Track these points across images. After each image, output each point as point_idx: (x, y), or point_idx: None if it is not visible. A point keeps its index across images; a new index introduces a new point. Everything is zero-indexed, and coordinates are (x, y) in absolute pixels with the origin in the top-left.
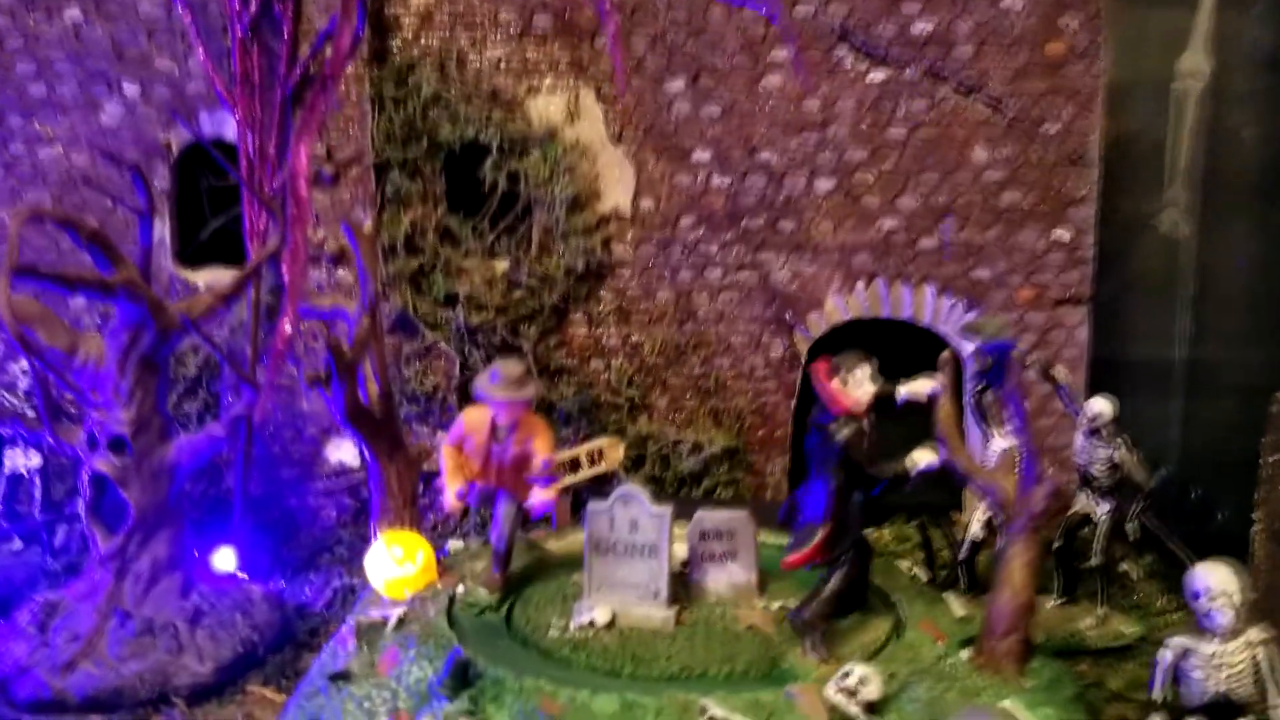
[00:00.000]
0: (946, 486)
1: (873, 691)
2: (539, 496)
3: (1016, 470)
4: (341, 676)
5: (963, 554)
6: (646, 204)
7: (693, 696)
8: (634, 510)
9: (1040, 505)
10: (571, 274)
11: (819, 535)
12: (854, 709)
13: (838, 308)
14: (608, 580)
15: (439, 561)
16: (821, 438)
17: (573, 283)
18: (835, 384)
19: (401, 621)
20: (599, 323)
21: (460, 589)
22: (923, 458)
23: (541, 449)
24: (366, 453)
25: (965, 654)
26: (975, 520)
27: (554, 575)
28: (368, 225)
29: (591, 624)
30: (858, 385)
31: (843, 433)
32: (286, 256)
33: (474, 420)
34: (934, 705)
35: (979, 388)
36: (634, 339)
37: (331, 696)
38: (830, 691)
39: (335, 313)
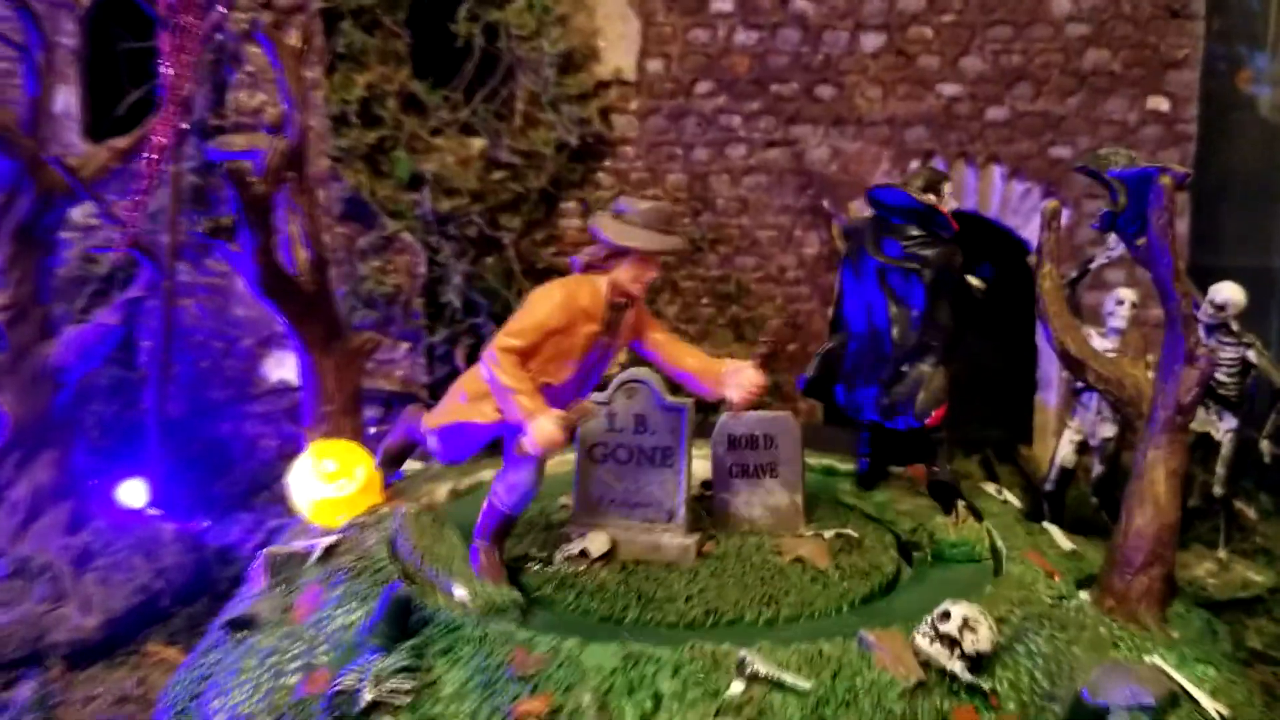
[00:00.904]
0: (1011, 419)
1: (982, 640)
2: (750, 383)
3: (1145, 360)
4: (242, 624)
5: (1049, 485)
6: (655, 65)
7: (726, 647)
8: (641, 402)
9: (1193, 392)
10: (564, 151)
11: (941, 378)
12: (955, 665)
13: None
14: (605, 498)
15: (388, 486)
16: (926, 266)
17: (565, 162)
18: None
19: (330, 552)
20: (597, 211)
21: (460, 592)
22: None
23: (663, 334)
24: (291, 337)
25: (1085, 595)
26: (1065, 441)
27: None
28: (294, 35)
29: (583, 555)
30: (948, 203)
31: (958, 256)
32: (173, 42)
33: (578, 298)
34: (1058, 661)
35: (1073, 276)
36: None
37: (229, 650)
38: (922, 640)
39: (253, 156)
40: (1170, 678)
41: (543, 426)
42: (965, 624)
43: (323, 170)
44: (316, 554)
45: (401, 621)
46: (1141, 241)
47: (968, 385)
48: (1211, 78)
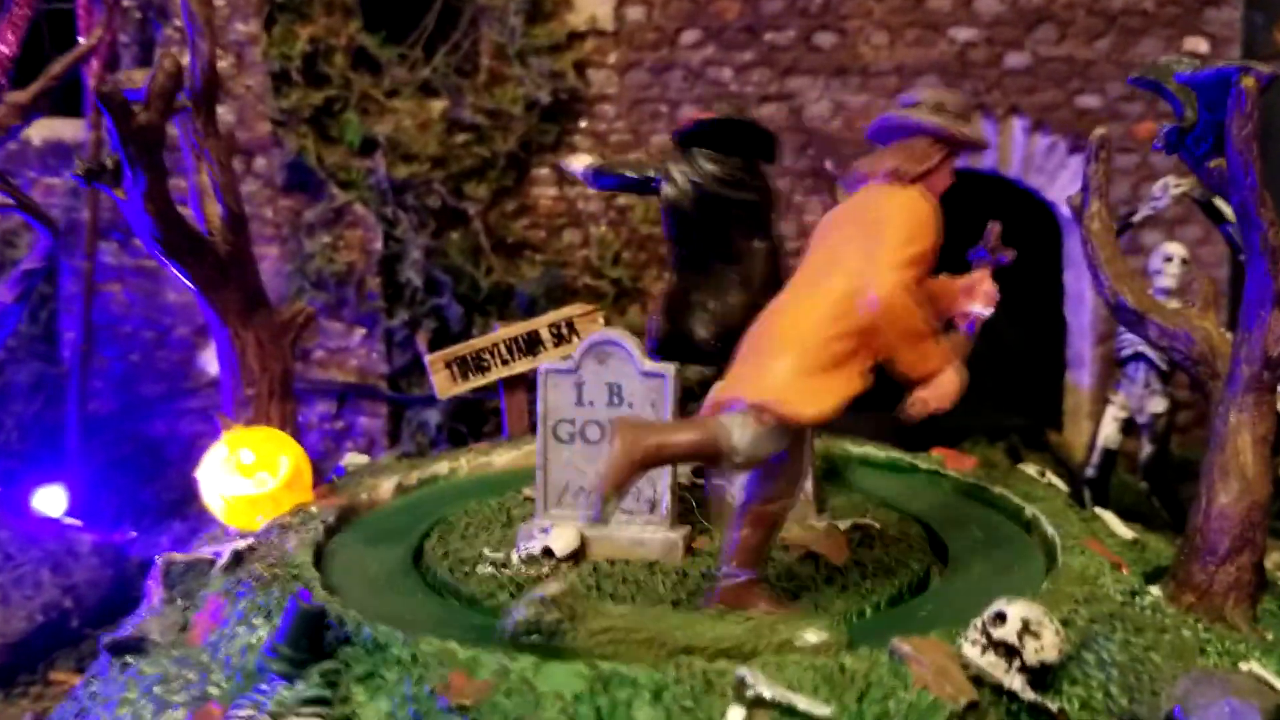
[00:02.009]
0: (1036, 403)
1: (1047, 648)
2: (993, 292)
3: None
4: (124, 647)
5: (1090, 470)
6: (635, 13)
7: (721, 665)
8: (616, 369)
9: None
10: (534, 110)
11: None
12: (1015, 680)
13: None
14: (574, 486)
15: (326, 486)
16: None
17: (536, 122)
18: None
19: (239, 558)
20: (573, 178)
21: (816, 637)
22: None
23: None
24: (203, 307)
25: (1157, 591)
26: (1108, 419)
27: (495, 491)
28: None
29: (547, 554)
30: None
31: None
32: None
33: (931, 210)
34: (1135, 671)
35: (1126, 218)
36: (620, 200)
37: (111, 678)
38: (972, 649)
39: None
40: (1273, 688)
41: (956, 375)
42: (1025, 628)
43: (263, 135)
44: (223, 561)
45: (312, 640)
46: (1216, 163)
47: (984, 367)
48: (1250, 29)
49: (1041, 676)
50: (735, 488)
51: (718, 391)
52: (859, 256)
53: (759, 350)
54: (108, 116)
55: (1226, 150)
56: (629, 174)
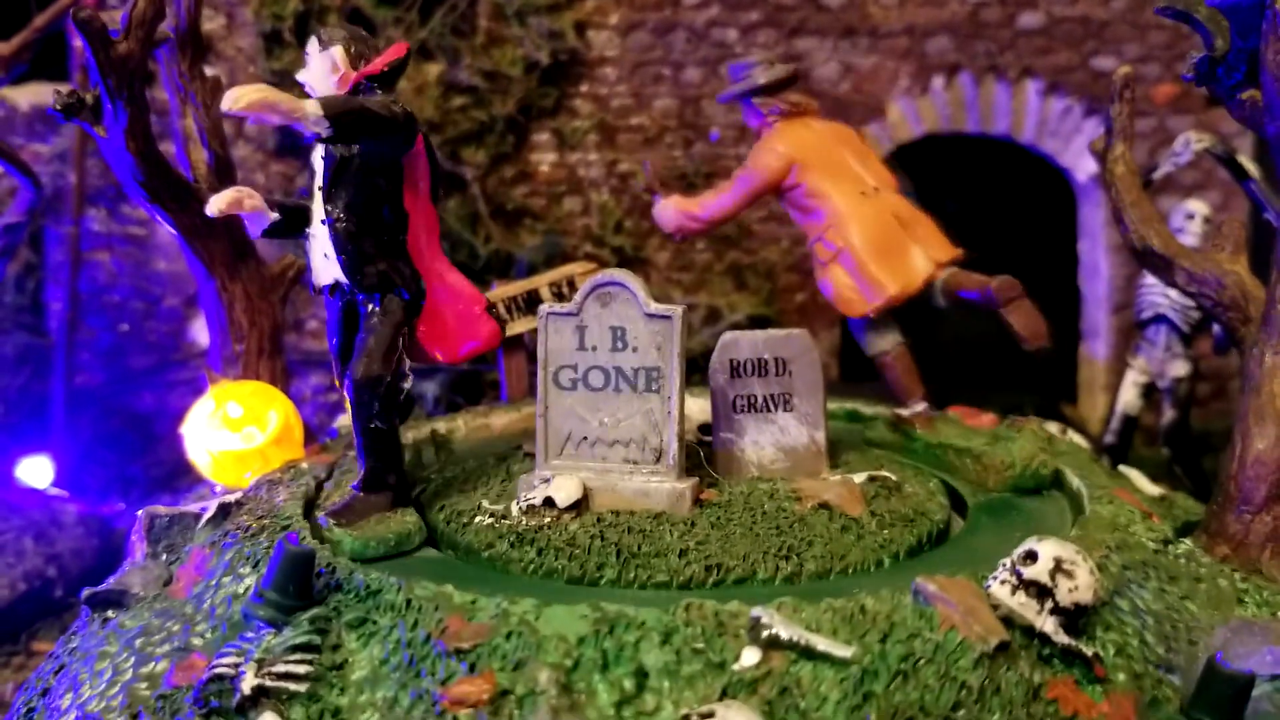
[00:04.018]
0: (1049, 376)
1: (1082, 589)
2: None
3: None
4: (105, 600)
5: (1109, 436)
6: None
7: (734, 606)
8: (620, 312)
9: None
10: (534, 72)
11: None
12: (1047, 622)
13: (906, 116)
14: (576, 435)
15: (318, 445)
16: None
17: (535, 86)
18: None
19: (225, 512)
20: (574, 144)
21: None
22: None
23: None
24: (188, 256)
25: (1188, 543)
26: (1128, 384)
27: (495, 449)
28: None
29: (548, 504)
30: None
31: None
32: None
33: None
34: (1171, 620)
35: (1147, 174)
36: (622, 167)
37: (92, 633)
38: (1001, 589)
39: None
40: None
41: None
42: (1058, 566)
43: None
44: (209, 514)
45: (300, 585)
46: (1249, 94)
47: (995, 340)
48: None
49: (1075, 619)
50: (744, 441)
51: (933, 261)
52: (864, 168)
53: (907, 235)
54: (86, 45)
55: (1261, 79)
56: (395, 114)
